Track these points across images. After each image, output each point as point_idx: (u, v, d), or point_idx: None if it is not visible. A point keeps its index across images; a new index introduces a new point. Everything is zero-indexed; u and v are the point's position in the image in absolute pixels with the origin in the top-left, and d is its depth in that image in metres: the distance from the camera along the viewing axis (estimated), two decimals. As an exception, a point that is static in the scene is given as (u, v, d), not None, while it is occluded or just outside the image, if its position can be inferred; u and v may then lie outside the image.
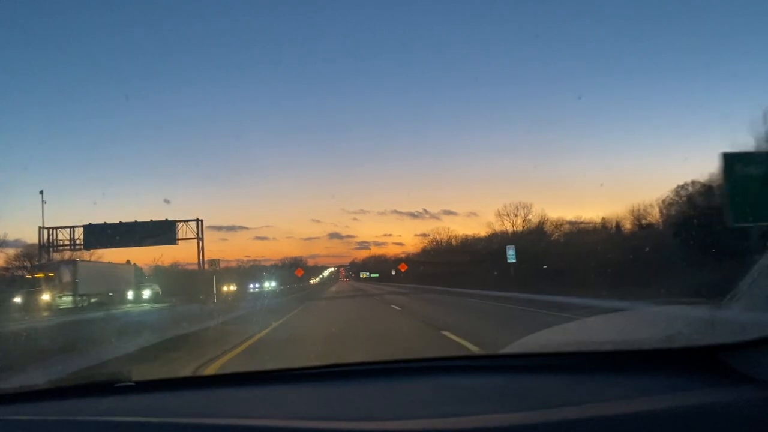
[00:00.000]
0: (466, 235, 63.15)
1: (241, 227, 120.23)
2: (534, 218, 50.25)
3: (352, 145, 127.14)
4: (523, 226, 50.53)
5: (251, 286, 63.96)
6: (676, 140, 69.51)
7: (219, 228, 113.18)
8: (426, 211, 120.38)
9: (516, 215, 52.48)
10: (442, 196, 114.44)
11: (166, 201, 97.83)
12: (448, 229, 76.18)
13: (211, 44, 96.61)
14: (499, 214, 53.11)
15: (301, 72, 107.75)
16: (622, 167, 72.99)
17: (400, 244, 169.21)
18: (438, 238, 71.92)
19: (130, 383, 1.73)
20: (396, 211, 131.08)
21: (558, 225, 46.80)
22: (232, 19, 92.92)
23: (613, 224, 36.86)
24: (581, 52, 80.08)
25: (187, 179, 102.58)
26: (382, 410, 1.42)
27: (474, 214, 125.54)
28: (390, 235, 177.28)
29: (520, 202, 52.61)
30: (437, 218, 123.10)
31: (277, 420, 1.34)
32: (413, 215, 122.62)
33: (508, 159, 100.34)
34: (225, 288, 46.07)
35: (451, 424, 1.20)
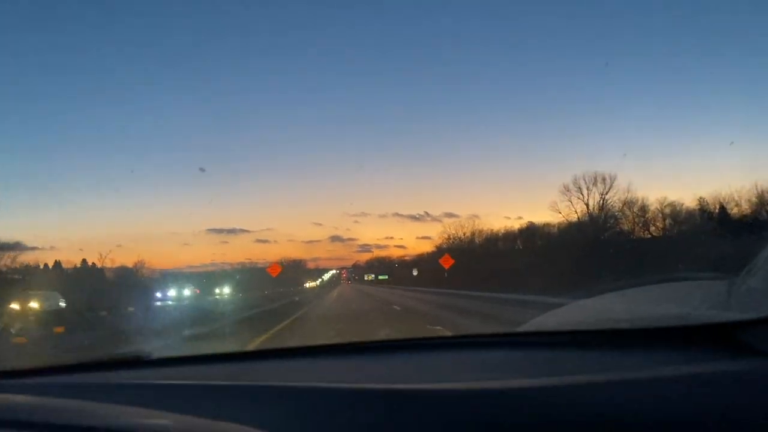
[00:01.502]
0: (492, 230, 54.57)
1: (242, 230, 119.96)
2: (619, 195, 36.82)
3: (352, 147, 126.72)
4: (601, 207, 38.03)
5: (159, 295, 38.79)
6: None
7: (220, 231, 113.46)
8: (427, 214, 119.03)
9: (589, 190, 38.69)
10: (444, 198, 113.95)
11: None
12: (473, 222, 62.28)
13: (212, 46, 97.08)
14: (566, 190, 40.26)
15: (301, 74, 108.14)
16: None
17: (402, 246, 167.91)
18: (457, 235, 59.94)
19: (155, 359, 1.81)
20: (397, 214, 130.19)
21: (642, 208, 35.88)
22: (231, 22, 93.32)
23: (716, 207, 30.83)
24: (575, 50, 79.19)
25: (187, 181, 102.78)
26: (405, 377, 1.49)
27: (476, 216, 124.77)
28: (391, 237, 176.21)
29: (596, 173, 38.59)
30: (438, 220, 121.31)
31: (309, 383, 1.39)
32: (414, 218, 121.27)
33: (507, 161, 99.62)
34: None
35: (471, 386, 1.27)
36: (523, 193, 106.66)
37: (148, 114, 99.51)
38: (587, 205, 39.73)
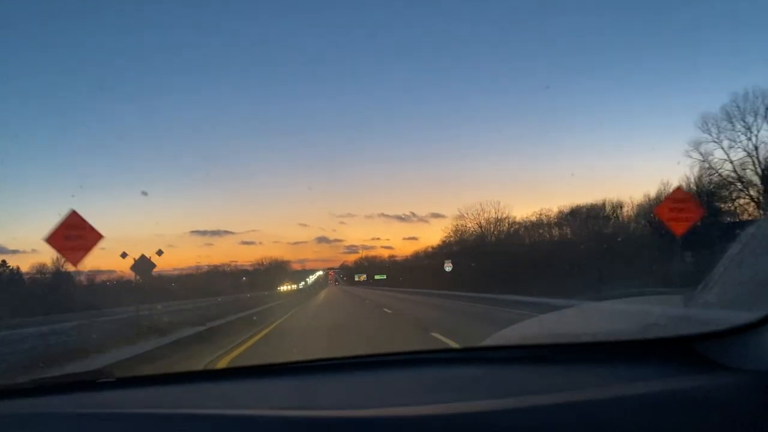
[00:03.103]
0: (516, 217, 45.13)
1: (227, 232, 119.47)
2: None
3: (338, 148, 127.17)
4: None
5: None
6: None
7: (204, 233, 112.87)
8: (413, 214, 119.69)
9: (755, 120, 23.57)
10: (430, 199, 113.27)
11: (144, 193, 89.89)
12: (498, 204, 48.79)
13: (197, 48, 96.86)
14: (712, 125, 26.59)
15: (287, 76, 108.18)
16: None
17: (389, 247, 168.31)
18: (467, 226, 49.79)
19: (111, 379, 1.74)
20: (383, 215, 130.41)
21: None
22: (218, 22, 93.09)
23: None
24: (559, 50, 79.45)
25: (172, 183, 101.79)
26: (361, 400, 1.45)
27: (462, 216, 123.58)
28: (378, 238, 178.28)
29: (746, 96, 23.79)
30: (425, 221, 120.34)
31: (259, 410, 1.35)
32: (401, 218, 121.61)
33: (496, 162, 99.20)
34: None
35: (429, 411, 1.23)
36: (511, 194, 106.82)
37: (133, 116, 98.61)
38: (755, 145, 24.65)
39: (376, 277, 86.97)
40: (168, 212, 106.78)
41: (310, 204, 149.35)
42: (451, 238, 55.24)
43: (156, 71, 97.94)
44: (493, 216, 47.98)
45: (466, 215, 50.89)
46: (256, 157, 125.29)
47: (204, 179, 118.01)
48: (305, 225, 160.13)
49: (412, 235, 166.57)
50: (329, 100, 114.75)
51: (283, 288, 71.08)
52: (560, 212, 39.39)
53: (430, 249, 65.63)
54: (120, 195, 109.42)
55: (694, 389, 1.22)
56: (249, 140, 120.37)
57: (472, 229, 50.20)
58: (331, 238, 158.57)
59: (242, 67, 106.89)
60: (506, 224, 46.98)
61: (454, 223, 54.43)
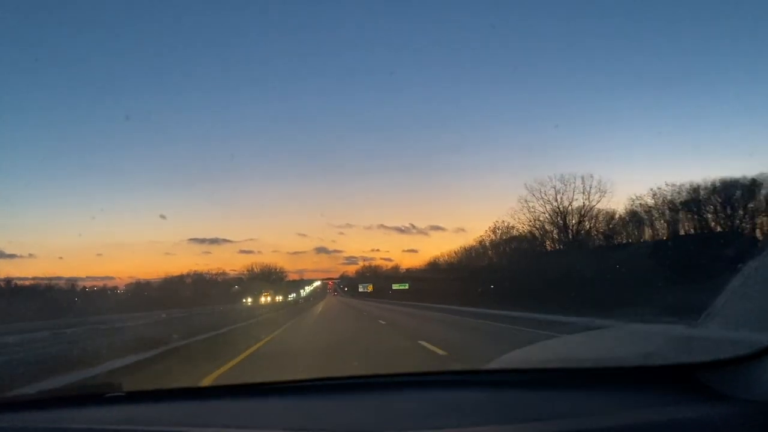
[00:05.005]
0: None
1: (225, 240, 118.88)
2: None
3: (337, 159, 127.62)
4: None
5: None
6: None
7: (202, 240, 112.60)
8: (413, 226, 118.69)
9: None
10: (429, 211, 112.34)
11: (162, 216, 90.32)
12: (590, 179, 32.68)
13: (200, 60, 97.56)
14: None
15: (288, 88, 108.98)
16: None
17: (389, 259, 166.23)
18: (551, 212, 32.74)
19: (120, 393, 1.75)
20: (383, 226, 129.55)
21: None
22: (221, 38, 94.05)
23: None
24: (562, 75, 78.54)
25: (170, 190, 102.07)
26: (367, 423, 1.46)
27: (462, 229, 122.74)
28: (378, 250, 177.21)
29: None
30: (425, 233, 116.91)
31: (264, 431, 1.37)
32: (400, 230, 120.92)
33: (495, 175, 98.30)
34: None
35: None
36: (506, 205, 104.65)
37: (133, 125, 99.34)
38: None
39: (395, 286, 66.37)
40: (166, 219, 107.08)
41: (309, 214, 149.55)
42: (491, 238, 39.20)
43: (156, 86, 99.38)
44: (582, 201, 32.74)
45: (535, 195, 34.67)
46: (256, 165, 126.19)
47: (202, 187, 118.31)
48: (304, 235, 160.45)
49: (411, 248, 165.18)
50: (330, 111, 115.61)
51: (262, 300, 52.28)
52: (681, 190, 27.64)
53: (463, 249, 50.10)
54: (119, 198, 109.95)
55: (695, 418, 1.23)
56: (248, 149, 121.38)
57: (545, 215, 34.26)
58: (330, 248, 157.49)
59: (243, 79, 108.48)
60: (588, 216, 32.89)
61: (518, 208, 36.11)
